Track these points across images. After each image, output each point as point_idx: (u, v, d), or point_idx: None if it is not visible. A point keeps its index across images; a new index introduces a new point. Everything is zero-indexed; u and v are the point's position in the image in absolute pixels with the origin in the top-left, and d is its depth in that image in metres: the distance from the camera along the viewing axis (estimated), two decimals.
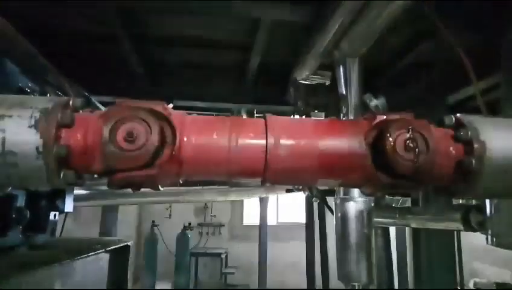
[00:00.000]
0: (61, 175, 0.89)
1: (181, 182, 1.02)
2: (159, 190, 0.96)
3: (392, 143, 0.93)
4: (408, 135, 0.94)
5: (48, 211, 2.11)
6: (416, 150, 0.93)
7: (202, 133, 0.96)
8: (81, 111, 0.95)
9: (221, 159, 0.96)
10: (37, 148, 0.83)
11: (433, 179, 0.99)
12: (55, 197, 2.15)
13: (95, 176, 0.93)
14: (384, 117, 0.99)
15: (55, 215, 2.17)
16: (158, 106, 0.92)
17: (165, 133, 0.91)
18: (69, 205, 2.23)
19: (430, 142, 0.94)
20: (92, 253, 2.15)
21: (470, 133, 0.97)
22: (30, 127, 0.83)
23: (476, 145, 0.95)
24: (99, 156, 0.87)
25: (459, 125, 1.00)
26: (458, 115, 1.02)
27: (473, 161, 0.95)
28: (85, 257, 2.05)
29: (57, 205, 2.16)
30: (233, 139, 0.96)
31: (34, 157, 0.84)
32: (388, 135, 0.94)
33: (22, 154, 0.84)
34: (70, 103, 0.92)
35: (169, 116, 0.91)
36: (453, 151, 0.98)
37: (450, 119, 1.02)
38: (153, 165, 0.88)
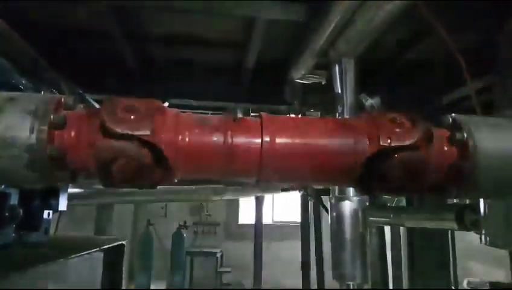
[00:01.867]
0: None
1: (175, 181, 1.02)
2: (155, 188, 0.97)
3: (389, 171, 0.94)
4: (407, 165, 0.94)
5: (41, 209, 2.09)
6: (412, 175, 0.94)
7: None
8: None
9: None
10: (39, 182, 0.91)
11: (425, 192, 1.02)
12: (49, 195, 2.13)
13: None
14: (389, 142, 0.93)
15: (48, 213, 2.15)
16: (148, 136, 0.87)
17: (158, 156, 0.90)
18: (63, 204, 2.21)
19: (427, 167, 0.95)
20: (86, 252, 2.13)
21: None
22: (25, 167, 0.85)
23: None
24: (99, 178, 0.92)
25: (454, 127, 1.00)
26: (453, 115, 1.02)
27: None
28: (79, 255, 2.03)
29: (51, 203, 2.14)
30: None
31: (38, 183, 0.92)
32: (388, 164, 0.94)
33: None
34: (52, 118, 0.88)
35: (160, 143, 0.89)
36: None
37: (448, 120, 1.02)
38: (150, 183, 0.93)
